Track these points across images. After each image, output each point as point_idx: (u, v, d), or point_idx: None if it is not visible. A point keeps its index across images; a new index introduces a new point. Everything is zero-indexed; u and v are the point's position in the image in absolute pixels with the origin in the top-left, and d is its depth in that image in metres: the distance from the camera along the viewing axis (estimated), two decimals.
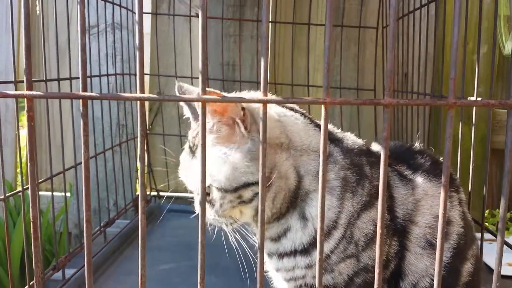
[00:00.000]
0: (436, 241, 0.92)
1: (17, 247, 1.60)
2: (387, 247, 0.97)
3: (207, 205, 0.95)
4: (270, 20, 2.16)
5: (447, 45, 1.72)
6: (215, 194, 0.93)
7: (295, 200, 0.95)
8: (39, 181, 1.25)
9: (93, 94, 0.54)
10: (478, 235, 1.21)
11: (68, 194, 2.14)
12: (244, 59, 2.19)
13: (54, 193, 1.34)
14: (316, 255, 0.54)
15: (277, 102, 0.54)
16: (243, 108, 0.86)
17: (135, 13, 2.02)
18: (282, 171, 0.92)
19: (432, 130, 2.04)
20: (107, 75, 1.76)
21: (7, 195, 1.09)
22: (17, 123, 2.22)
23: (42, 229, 1.67)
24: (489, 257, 1.18)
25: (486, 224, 2.01)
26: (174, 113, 2.31)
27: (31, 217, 0.59)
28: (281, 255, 1.00)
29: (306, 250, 0.96)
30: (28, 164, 0.57)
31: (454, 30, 0.53)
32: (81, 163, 1.50)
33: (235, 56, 2.19)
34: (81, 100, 0.54)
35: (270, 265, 1.06)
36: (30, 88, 0.55)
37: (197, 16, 2.18)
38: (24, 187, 1.17)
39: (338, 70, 2.15)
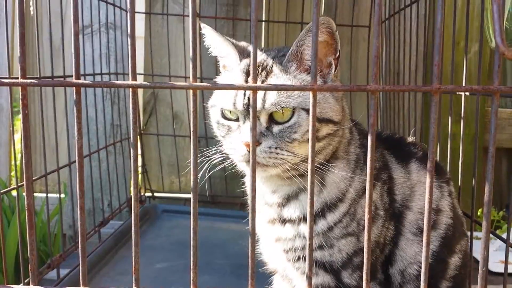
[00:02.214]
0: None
1: (12, 245, 1.60)
2: (385, 230, 0.99)
3: (270, 137, 0.92)
4: (263, 19, 2.18)
5: None
6: (304, 117, 0.92)
7: (325, 162, 0.97)
8: (34, 178, 1.26)
9: (86, 81, 0.55)
10: (476, 234, 1.22)
11: (62, 196, 2.14)
12: None
13: (48, 195, 1.35)
14: (307, 230, 0.54)
15: (266, 89, 0.55)
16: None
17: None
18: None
19: (424, 130, 2.05)
20: (101, 74, 1.77)
21: (2, 191, 1.09)
22: (12, 125, 2.24)
23: (36, 229, 1.67)
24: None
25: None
26: (168, 113, 2.32)
27: (25, 205, 0.60)
28: (284, 221, 1.01)
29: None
30: (23, 152, 0.58)
31: (437, 16, 0.54)
32: (75, 161, 1.52)
33: None
34: (74, 88, 0.55)
35: (267, 240, 1.07)
36: (24, 76, 0.56)
37: None
38: (19, 184, 1.18)
39: None
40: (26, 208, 0.60)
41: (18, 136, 2.89)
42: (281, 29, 2.20)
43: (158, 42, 2.25)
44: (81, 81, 0.55)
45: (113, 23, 1.99)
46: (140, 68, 2.29)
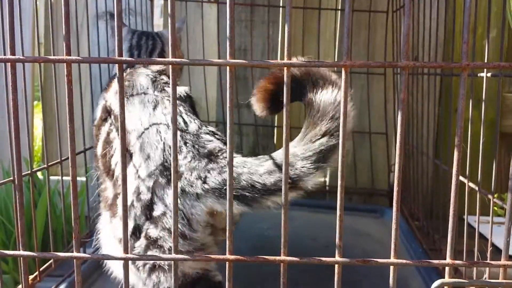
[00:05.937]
0: None
1: (40, 224, 1.65)
2: None
3: None
4: (281, 4, 2.19)
5: (457, 31, 1.74)
6: None
7: None
8: (63, 159, 1.30)
9: (129, 58, 0.58)
10: (485, 217, 1.23)
11: (83, 179, 2.18)
12: (255, 44, 2.23)
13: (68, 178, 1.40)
14: None
15: (300, 66, 0.58)
16: None
17: None
18: None
19: (442, 114, 2.06)
20: None
21: (33, 170, 1.14)
22: (32, 109, 2.28)
23: (65, 210, 1.72)
24: (498, 239, 1.19)
25: (495, 208, 2.03)
26: None
27: (70, 176, 0.64)
28: None
29: None
30: (68, 126, 0.61)
31: None
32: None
33: (247, 41, 2.22)
34: (117, 64, 0.58)
35: None
36: (69, 53, 0.60)
37: (209, 1, 2.22)
38: (49, 164, 1.22)
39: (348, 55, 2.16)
40: (71, 179, 0.64)
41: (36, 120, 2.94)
42: (299, 15, 2.20)
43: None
44: (124, 58, 0.58)
45: (134, 9, 2.02)
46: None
